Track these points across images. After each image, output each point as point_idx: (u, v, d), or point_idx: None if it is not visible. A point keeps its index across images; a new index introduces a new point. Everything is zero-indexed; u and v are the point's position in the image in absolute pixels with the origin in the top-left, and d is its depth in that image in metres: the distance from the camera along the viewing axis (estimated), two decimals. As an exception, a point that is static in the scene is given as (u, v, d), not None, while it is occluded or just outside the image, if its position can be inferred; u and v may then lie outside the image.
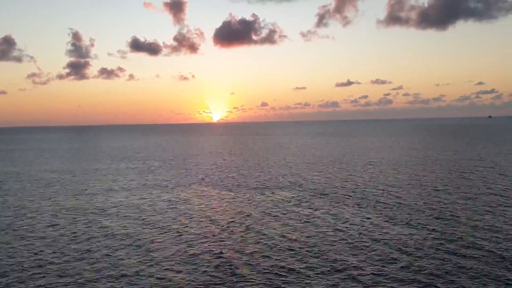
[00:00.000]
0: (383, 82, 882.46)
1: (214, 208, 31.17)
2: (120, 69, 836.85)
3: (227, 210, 30.26)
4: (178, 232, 24.59)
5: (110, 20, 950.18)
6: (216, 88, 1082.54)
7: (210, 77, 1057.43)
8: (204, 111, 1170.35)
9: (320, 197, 33.97)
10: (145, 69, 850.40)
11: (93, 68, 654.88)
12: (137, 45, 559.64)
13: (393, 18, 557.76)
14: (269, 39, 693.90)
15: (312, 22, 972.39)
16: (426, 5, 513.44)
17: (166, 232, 24.60)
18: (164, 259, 19.89)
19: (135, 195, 36.77)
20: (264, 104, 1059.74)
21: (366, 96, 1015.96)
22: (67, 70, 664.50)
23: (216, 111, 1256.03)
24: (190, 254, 20.52)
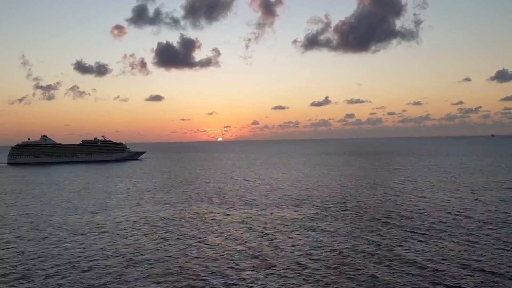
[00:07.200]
0: (358, 101, 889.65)
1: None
2: (93, 90, 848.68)
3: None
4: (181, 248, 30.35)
5: (59, 42, 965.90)
6: (195, 108, 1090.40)
7: (182, 97, 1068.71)
8: (199, 130, 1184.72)
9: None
10: (107, 90, 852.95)
11: (62, 88, 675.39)
12: (84, 68, 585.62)
13: (315, 41, 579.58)
14: (213, 62, 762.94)
15: (243, 47, 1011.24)
16: (349, 27, 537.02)
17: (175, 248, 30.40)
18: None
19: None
20: (255, 123, 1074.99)
21: (352, 115, 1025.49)
22: (34, 91, 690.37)
23: (212, 130, 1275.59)
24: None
